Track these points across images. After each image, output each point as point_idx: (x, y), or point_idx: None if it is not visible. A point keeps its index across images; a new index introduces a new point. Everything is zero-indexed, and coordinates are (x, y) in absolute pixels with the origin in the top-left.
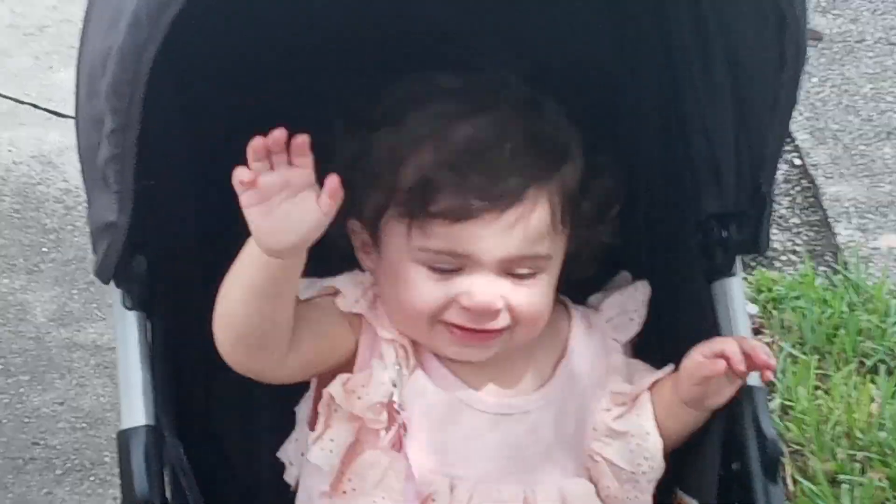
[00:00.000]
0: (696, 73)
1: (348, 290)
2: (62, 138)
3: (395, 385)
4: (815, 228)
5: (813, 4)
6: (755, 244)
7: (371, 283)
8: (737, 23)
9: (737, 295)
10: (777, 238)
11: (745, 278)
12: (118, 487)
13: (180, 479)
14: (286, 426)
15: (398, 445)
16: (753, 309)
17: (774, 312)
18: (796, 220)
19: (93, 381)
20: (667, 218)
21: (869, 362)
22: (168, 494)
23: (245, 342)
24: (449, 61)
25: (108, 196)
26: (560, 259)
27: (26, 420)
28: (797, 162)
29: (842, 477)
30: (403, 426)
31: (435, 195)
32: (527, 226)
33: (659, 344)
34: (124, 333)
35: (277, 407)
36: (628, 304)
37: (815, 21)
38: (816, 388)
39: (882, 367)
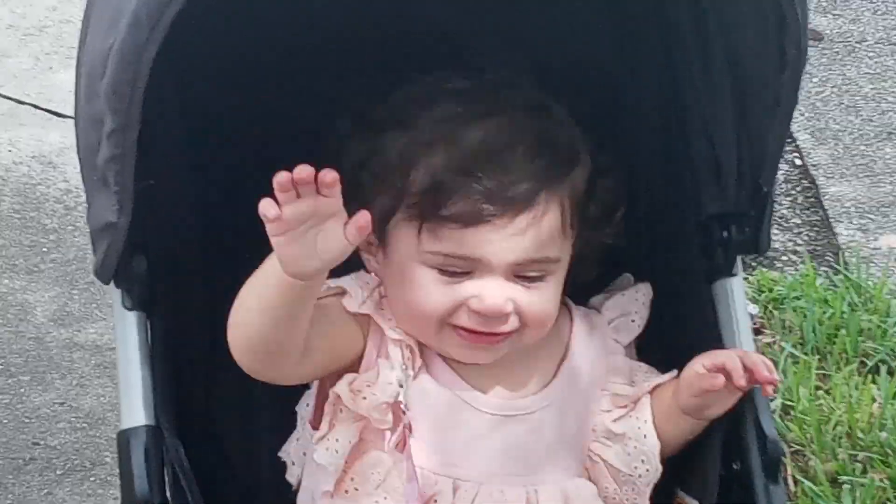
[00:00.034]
0: (696, 73)
1: (355, 290)
2: (62, 139)
3: (401, 385)
4: (816, 229)
5: (814, 4)
6: (756, 244)
7: (377, 283)
8: (737, 23)
9: (738, 295)
10: (778, 238)
11: (746, 278)
12: (118, 488)
13: (180, 480)
14: (286, 426)
15: (401, 446)
16: (754, 309)
17: (775, 313)
18: (797, 221)
19: (93, 382)
20: (667, 218)
21: (870, 362)
22: (168, 494)
23: (260, 351)
24: (449, 61)
25: (107, 196)
26: (567, 261)
27: (26, 420)
28: (798, 162)
29: (843, 477)
30: (408, 427)
31: (447, 199)
32: (538, 230)
33: (659, 344)
34: (124, 333)
35: (277, 407)
36: (630, 305)
37: (816, 21)
38: (817, 388)
39: (883, 368)
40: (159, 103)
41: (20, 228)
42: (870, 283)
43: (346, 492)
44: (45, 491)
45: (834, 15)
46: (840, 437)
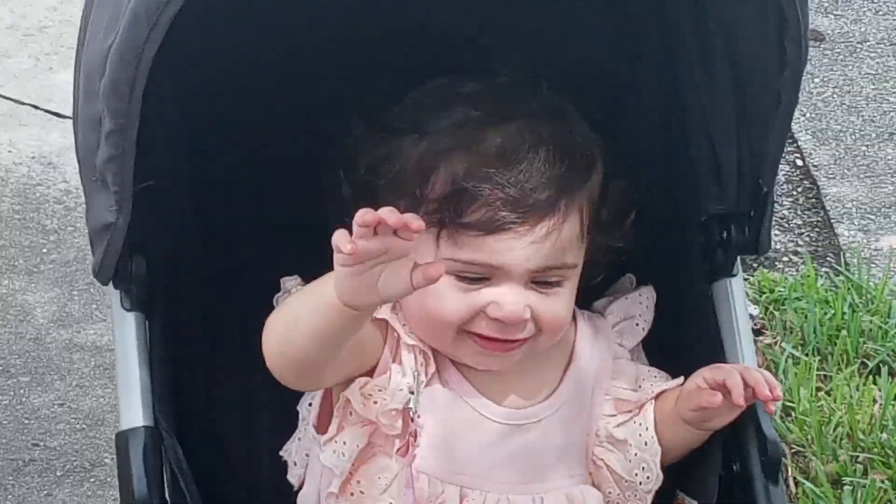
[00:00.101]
0: (696, 73)
1: None
2: (62, 139)
3: (412, 392)
4: (817, 229)
5: (815, 5)
6: (756, 245)
7: None
8: (737, 22)
9: (738, 295)
10: (779, 239)
11: (747, 279)
12: (118, 489)
13: (179, 480)
14: (286, 426)
15: (404, 451)
16: (755, 310)
17: (776, 313)
18: (798, 221)
19: (93, 383)
20: (667, 218)
21: (871, 363)
22: (167, 495)
23: (296, 367)
24: (450, 62)
25: (106, 197)
26: (581, 266)
27: (26, 421)
28: (799, 163)
29: (844, 478)
30: (413, 434)
31: (468, 206)
32: (558, 237)
33: (659, 344)
34: (123, 334)
35: (277, 407)
36: (634, 309)
37: (817, 21)
38: (818, 389)
39: (884, 369)
40: (159, 103)
41: (20, 229)
42: (871, 283)
43: (352, 494)
44: (45, 492)
45: (835, 15)
46: (841, 439)
